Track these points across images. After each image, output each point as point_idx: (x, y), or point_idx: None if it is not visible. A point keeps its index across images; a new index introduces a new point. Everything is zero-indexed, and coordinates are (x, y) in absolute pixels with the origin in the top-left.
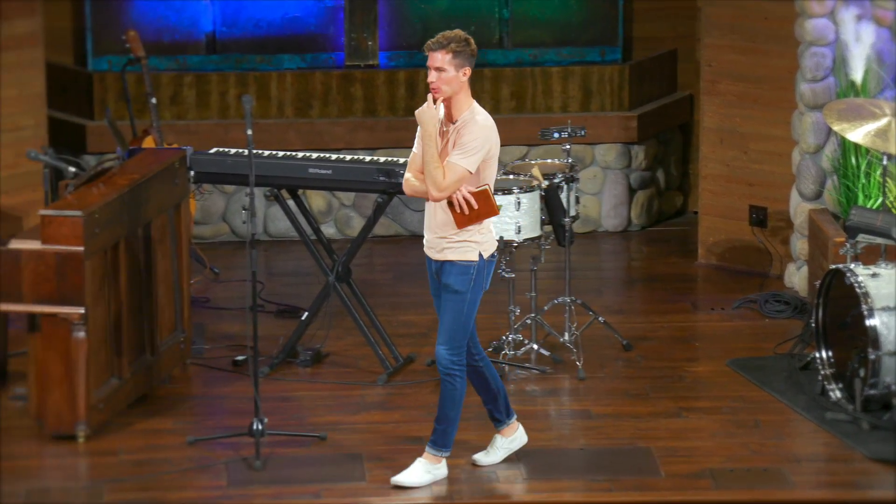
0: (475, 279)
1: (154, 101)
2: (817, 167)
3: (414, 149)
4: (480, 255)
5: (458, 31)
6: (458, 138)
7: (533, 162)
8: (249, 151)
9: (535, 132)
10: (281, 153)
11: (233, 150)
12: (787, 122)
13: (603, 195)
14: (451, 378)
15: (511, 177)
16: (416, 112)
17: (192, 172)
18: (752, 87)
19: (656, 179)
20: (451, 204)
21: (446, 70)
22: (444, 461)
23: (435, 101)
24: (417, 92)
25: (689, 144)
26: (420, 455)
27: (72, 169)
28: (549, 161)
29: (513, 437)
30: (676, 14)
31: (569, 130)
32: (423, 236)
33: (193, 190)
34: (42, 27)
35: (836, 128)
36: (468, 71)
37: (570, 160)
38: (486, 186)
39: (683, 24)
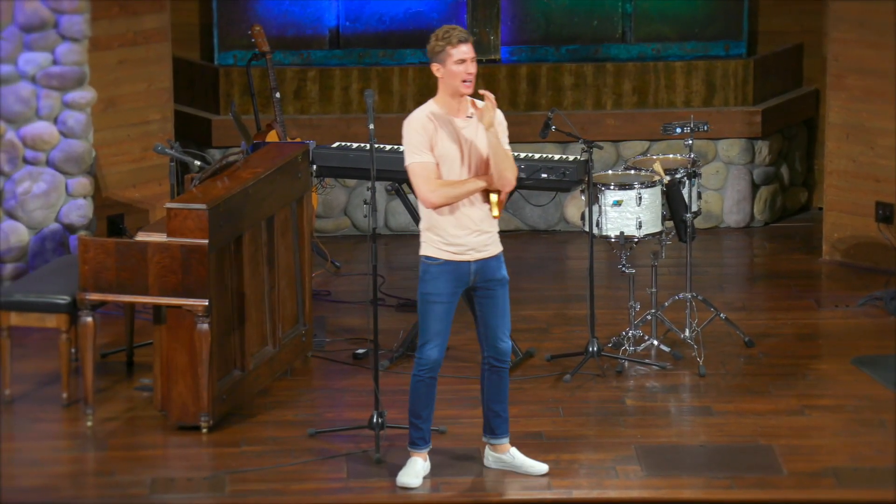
0: None
1: (278, 95)
2: None
3: (423, 158)
4: None
5: None
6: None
7: (655, 157)
8: (371, 146)
9: (657, 127)
10: (402, 147)
11: (355, 145)
12: None
13: (725, 191)
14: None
15: (633, 172)
16: (489, 112)
17: (314, 166)
18: (879, 82)
19: (780, 175)
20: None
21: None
22: None
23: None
24: (539, 87)
25: (813, 140)
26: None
27: (197, 163)
28: (671, 156)
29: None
30: (802, 8)
31: (691, 125)
32: (542, 231)
33: (316, 184)
34: (170, 23)
35: None
36: None
37: (692, 155)
38: None
39: (810, 19)
